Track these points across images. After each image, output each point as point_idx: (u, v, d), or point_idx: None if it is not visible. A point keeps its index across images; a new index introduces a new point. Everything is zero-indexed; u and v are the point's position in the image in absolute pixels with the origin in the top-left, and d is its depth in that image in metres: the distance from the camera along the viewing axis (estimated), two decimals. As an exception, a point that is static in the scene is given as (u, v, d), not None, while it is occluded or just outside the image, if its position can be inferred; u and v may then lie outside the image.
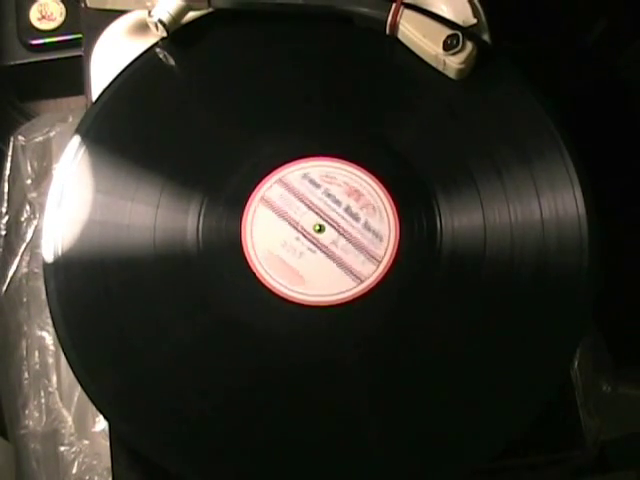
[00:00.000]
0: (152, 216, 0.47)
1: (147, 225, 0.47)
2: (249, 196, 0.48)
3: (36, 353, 0.58)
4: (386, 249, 0.47)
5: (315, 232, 0.47)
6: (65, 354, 0.45)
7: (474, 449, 0.43)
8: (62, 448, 0.55)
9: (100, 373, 0.45)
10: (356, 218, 0.47)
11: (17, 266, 0.60)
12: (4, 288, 0.60)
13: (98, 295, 0.46)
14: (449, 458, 0.43)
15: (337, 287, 0.46)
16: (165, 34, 0.51)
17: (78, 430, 0.56)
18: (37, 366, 0.58)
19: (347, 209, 0.48)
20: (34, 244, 0.60)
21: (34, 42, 0.64)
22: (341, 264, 0.46)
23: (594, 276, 0.45)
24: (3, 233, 0.62)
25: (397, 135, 0.49)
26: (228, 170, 0.48)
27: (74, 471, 0.55)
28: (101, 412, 0.45)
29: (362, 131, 0.50)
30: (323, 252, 0.47)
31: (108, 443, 0.47)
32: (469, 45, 0.49)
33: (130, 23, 0.53)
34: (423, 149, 0.49)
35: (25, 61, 0.65)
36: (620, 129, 0.70)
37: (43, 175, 0.62)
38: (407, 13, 0.50)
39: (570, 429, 0.47)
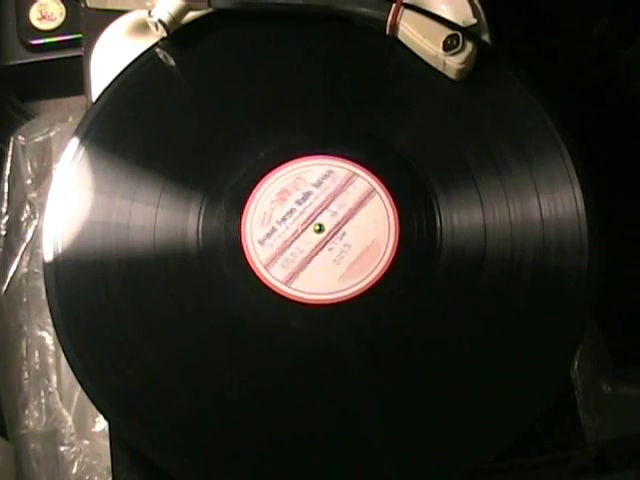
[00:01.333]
0: (152, 216, 0.47)
1: (147, 225, 0.47)
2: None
3: (36, 353, 0.58)
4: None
5: (315, 232, 0.47)
6: (65, 354, 0.45)
7: (474, 449, 0.43)
8: (62, 448, 0.55)
9: (100, 373, 0.45)
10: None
11: (17, 266, 0.60)
12: (4, 288, 0.60)
13: (98, 295, 0.46)
14: (449, 458, 0.43)
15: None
16: (165, 34, 0.51)
17: (78, 430, 0.56)
18: (37, 366, 0.58)
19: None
20: (34, 244, 0.60)
21: (34, 42, 0.64)
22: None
23: (594, 276, 0.45)
24: (3, 233, 0.62)
25: (397, 135, 0.49)
26: (228, 170, 0.48)
27: (74, 471, 0.55)
28: (101, 412, 0.45)
29: (362, 131, 0.50)
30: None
31: (108, 443, 0.47)
32: (469, 45, 0.49)
33: (130, 23, 0.53)
34: (423, 149, 0.49)
35: (25, 61, 0.65)
36: (620, 129, 0.70)
37: (43, 175, 0.62)
38: (407, 13, 0.50)
39: (570, 429, 0.47)
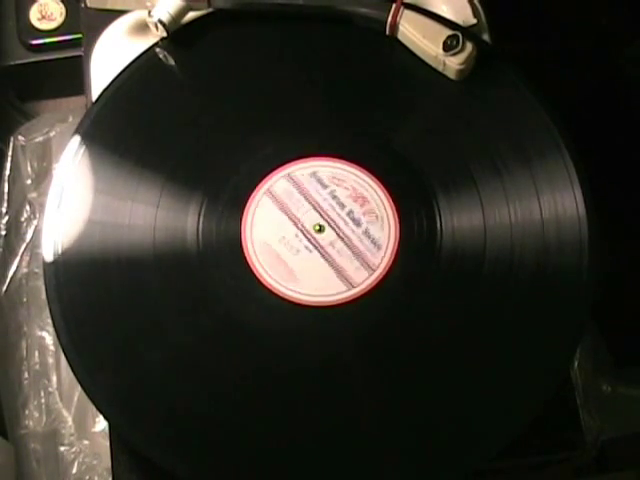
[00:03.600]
0: (152, 216, 0.47)
1: (147, 225, 0.47)
2: (249, 196, 0.48)
3: (36, 353, 0.58)
4: (382, 258, 0.47)
5: (315, 232, 0.47)
6: (65, 354, 0.45)
7: (474, 449, 0.43)
8: (62, 448, 0.55)
9: (100, 373, 0.45)
10: (358, 224, 0.47)
11: (17, 266, 0.60)
12: (4, 288, 0.60)
13: (98, 295, 0.46)
14: (449, 458, 0.43)
15: (336, 287, 0.46)
16: (165, 34, 0.51)
17: (78, 430, 0.56)
18: (37, 366, 0.58)
19: (350, 213, 0.48)
20: (34, 244, 0.60)
21: (34, 42, 0.64)
22: (335, 267, 0.46)
23: (594, 276, 0.45)
24: (3, 233, 0.62)
25: (397, 135, 0.49)
26: (228, 170, 0.48)
27: (74, 471, 0.55)
28: (101, 412, 0.45)
29: (362, 131, 0.50)
30: (319, 252, 0.47)
31: (108, 443, 0.47)
32: (469, 46, 0.49)
33: (130, 23, 0.53)
34: (423, 149, 0.49)
35: (25, 61, 0.65)
36: (620, 129, 0.70)
37: (43, 175, 0.62)
38: (407, 13, 0.50)
39: (570, 429, 0.47)
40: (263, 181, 0.48)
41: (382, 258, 0.46)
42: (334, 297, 0.46)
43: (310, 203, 0.48)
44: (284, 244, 0.47)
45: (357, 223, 0.47)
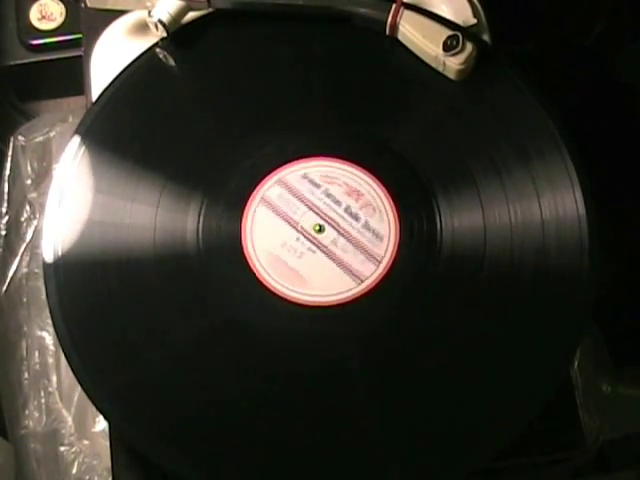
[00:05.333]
0: (152, 216, 0.47)
1: (147, 225, 0.47)
2: (249, 196, 0.48)
3: (36, 353, 0.58)
4: (386, 249, 0.47)
5: (315, 232, 0.47)
6: (65, 354, 0.45)
7: (474, 449, 0.43)
8: (62, 448, 0.55)
9: (100, 373, 0.45)
10: (356, 218, 0.47)
11: (17, 266, 0.60)
12: (4, 288, 0.60)
13: (98, 295, 0.46)
14: (449, 458, 0.43)
15: (337, 287, 0.46)
16: (165, 34, 0.51)
17: (78, 430, 0.56)
18: (37, 366, 0.58)
19: (347, 209, 0.48)
20: (34, 244, 0.60)
21: (34, 42, 0.64)
22: (341, 264, 0.46)
23: (594, 276, 0.45)
24: (3, 233, 0.62)
25: (397, 135, 0.49)
26: (228, 170, 0.48)
27: (74, 471, 0.55)
28: (101, 412, 0.45)
29: (362, 131, 0.50)
30: (323, 252, 0.47)
31: (108, 443, 0.47)
32: (469, 46, 0.49)
33: (130, 23, 0.53)
34: (423, 149, 0.49)
35: (25, 61, 0.65)
36: (620, 129, 0.70)
37: (43, 175, 0.62)
38: (407, 14, 0.50)
39: (570, 429, 0.47)
40: (262, 181, 0.48)
41: (386, 249, 0.46)
42: (336, 296, 0.46)
43: (306, 204, 0.48)
44: (287, 249, 0.47)
45: (355, 217, 0.47)
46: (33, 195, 0.62)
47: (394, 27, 0.50)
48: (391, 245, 0.47)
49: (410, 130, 0.49)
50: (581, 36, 0.72)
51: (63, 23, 0.64)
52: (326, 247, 0.47)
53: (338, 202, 0.48)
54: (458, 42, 0.48)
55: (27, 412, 0.57)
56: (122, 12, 0.53)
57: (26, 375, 0.58)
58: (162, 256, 0.46)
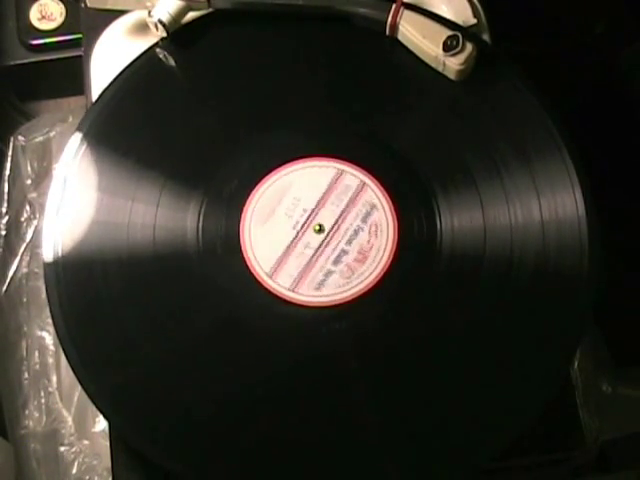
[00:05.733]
0: (152, 216, 0.47)
1: (147, 224, 0.47)
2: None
3: (36, 353, 0.58)
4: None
5: (315, 232, 0.47)
6: (65, 354, 0.45)
7: (474, 449, 0.43)
8: (62, 448, 0.55)
9: (100, 373, 0.45)
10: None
11: (17, 266, 0.60)
12: (4, 288, 0.60)
13: (98, 295, 0.46)
14: (449, 458, 0.43)
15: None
16: (165, 34, 0.51)
17: (78, 430, 0.56)
18: (37, 366, 0.58)
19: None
20: (34, 244, 0.60)
21: (34, 42, 0.64)
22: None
23: (594, 276, 0.45)
24: (3, 233, 0.62)
25: (397, 135, 0.49)
26: (228, 169, 0.48)
27: (74, 471, 0.55)
28: (101, 412, 0.45)
29: (362, 131, 0.50)
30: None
31: (108, 443, 0.47)
32: (469, 46, 0.48)
33: (130, 23, 0.53)
34: (423, 149, 0.49)
35: (25, 61, 0.65)
36: (620, 129, 0.70)
37: (43, 175, 0.62)
38: (407, 14, 0.49)
39: (570, 429, 0.47)
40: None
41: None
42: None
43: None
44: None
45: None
46: (33, 195, 0.62)
47: (394, 27, 0.50)
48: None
49: (410, 130, 0.49)
50: (581, 36, 0.72)
51: (63, 23, 0.64)
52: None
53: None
54: (458, 42, 0.48)
55: (27, 412, 0.57)
56: (122, 12, 0.53)
57: (26, 375, 0.58)
58: (162, 255, 0.46)
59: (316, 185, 0.48)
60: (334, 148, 0.49)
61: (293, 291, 0.46)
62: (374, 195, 0.48)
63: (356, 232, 0.47)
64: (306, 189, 0.48)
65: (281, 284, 0.46)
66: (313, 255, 0.47)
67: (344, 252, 0.47)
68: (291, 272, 0.46)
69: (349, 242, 0.47)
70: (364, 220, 0.47)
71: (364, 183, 0.48)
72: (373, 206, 0.48)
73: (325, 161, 0.49)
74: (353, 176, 0.48)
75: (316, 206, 0.48)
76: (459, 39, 0.48)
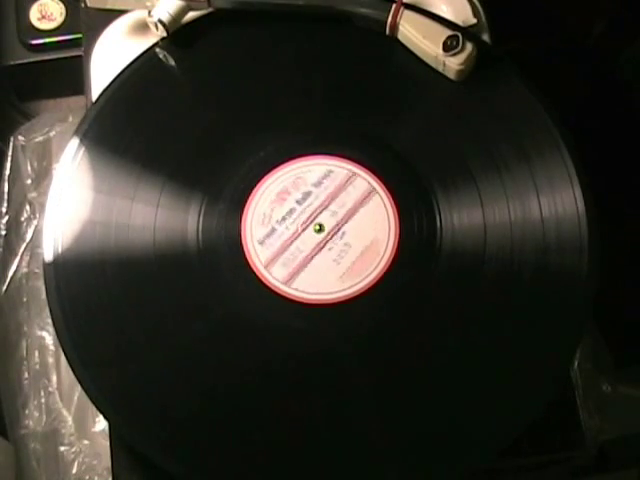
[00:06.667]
0: (152, 216, 0.47)
1: (147, 225, 0.47)
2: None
3: (36, 353, 0.58)
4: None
5: (315, 232, 0.47)
6: (65, 354, 0.45)
7: (474, 449, 0.43)
8: (62, 448, 0.55)
9: (100, 373, 0.45)
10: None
11: (17, 266, 0.60)
12: (4, 288, 0.60)
13: (98, 295, 0.46)
14: (449, 458, 0.43)
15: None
16: (165, 34, 0.51)
17: (78, 430, 0.56)
18: (37, 366, 0.58)
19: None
20: (34, 244, 0.60)
21: (34, 42, 0.64)
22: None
23: (594, 275, 0.45)
24: (3, 233, 0.62)
25: (397, 135, 0.49)
26: (228, 170, 0.48)
27: (74, 471, 0.55)
28: (101, 412, 0.45)
29: (362, 131, 0.50)
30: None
31: (108, 443, 0.47)
32: (469, 46, 0.49)
33: (130, 23, 0.53)
34: (423, 149, 0.49)
35: (25, 61, 0.65)
36: (620, 129, 0.70)
37: (43, 175, 0.62)
38: (407, 14, 0.49)
39: (570, 429, 0.47)
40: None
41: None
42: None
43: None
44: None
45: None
46: (33, 195, 0.62)
47: (394, 27, 0.50)
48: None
49: (410, 130, 0.49)
50: (581, 36, 0.72)
51: (63, 23, 0.64)
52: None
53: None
54: (458, 42, 0.48)
55: (27, 412, 0.57)
56: (122, 12, 0.53)
57: (26, 375, 0.58)
58: (162, 255, 0.46)
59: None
60: (334, 148, 0.49)
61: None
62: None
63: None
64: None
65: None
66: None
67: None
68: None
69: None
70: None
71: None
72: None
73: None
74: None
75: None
76: (459, 39, 0.48)
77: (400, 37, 0.50)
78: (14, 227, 0.62)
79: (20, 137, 0.63)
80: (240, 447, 0.44)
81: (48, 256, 0.46)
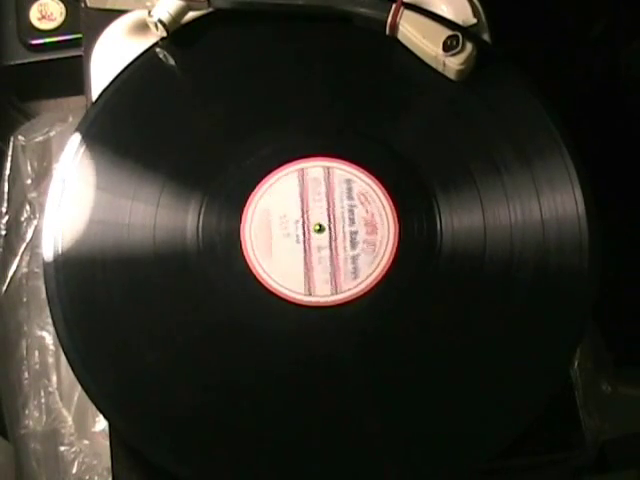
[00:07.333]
0: (152, 215, 0.47)
1: (147, 224, 0.47)
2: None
3: (36, 353, 0.58)
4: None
5: (315, 232, 0.47)
6: (65, 354, 0.45)
7: (474, 449, 0.43)
8: (62, 448, 0.55)
9: (100, 373, 0.45)
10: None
11: (17, 266, 0.60)
12: (4, 288, 0.60)
13: (98, 294, 0.46)
14: (449, 458, 0.43)
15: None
16: (165, 34, 0.51)
17: (78, 430, 0.56)
18: (37, 366, 0.58)
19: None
20: (34, 244, 0.60)
21: (34, 42, 0.64)
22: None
23: (594, 276, 0.45)
24: (3, 233, 0.62)
25: (397, 135, 0.49)
26: (228, 169, 0.48)
27: (74, 471, 0.55)
28: (101, 412, 0.45)
29: (362, 131, 0.50)
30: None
31: (108, 443, 0.47)
32: (469, 46, 0.48)
33: (130, 23, 0.53)
34: (423, 149, 0.49)
35: (25, 61, 0.65)
36: (620, 129, 0.70)
37: (43, 175, 0.62)
38: (407, 14, 0.49)
39: (570, 429, 0.47)
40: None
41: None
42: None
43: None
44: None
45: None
46: (33, 195, 0.62)
47: (394, 27, 0.50)
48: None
49: (410, 130, 0.49)
50: (581, 36, 0.72)
51: (63, 23, 0.64)
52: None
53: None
54: (458, 42, 0.48)
55: (27, 412, 0.57)
56: (122, 12, 0.53)
57: (26, 375, 0.58)
58: (162, 255, 0.46)
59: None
60: (334, 148, 0.49)
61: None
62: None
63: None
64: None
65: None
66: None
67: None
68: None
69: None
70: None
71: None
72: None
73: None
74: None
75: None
76: (459, 39, 0.48)
77: (400, 37, 0.50)
78: (14, 227, 0.62)
79: (20, 137, 0.63)
80: (239, 447, 0.44)
81: (48, 256, 0.46)
